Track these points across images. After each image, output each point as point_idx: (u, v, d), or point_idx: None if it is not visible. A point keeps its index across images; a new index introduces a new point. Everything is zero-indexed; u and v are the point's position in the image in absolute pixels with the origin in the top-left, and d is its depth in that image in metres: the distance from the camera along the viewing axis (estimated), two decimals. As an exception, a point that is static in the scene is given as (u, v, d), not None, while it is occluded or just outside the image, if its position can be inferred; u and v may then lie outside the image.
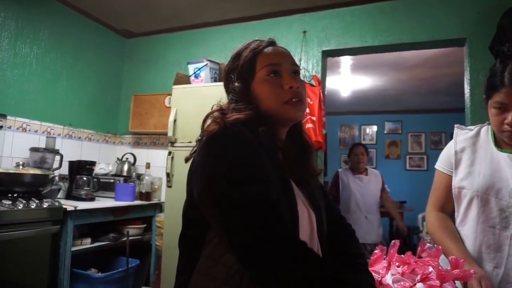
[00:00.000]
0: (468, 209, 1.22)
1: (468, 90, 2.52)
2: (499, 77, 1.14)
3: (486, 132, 1.28)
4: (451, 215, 1.30)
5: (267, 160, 0.76)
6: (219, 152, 0.75)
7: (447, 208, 1.30)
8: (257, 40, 0.91)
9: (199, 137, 0.84)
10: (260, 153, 0.76)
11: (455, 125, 1.35)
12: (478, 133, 1.29)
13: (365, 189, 3.25)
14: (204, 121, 0.85)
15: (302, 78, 0.92)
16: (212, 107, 0.88)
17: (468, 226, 1.22)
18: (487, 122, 1.27)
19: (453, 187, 1.26)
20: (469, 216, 1.22)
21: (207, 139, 0.78)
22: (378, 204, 3.31)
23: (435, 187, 1.36)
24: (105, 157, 3.49)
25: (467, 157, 1.25)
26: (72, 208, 2.36)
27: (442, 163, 1.34)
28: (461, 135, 1.30)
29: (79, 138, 3.26)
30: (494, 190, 1.17)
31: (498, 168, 1.18)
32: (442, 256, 1.14)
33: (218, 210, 0.72)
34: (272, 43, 0.91)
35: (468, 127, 1.33)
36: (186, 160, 0.84)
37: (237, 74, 0.88)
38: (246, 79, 0.87)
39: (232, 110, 0.85)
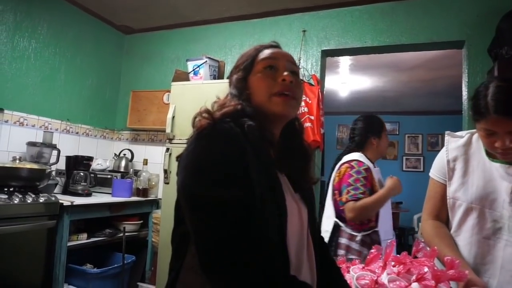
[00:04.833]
0: (463, 220, 1.22)
1: (466, 93, 2.53)
2: (483, 103, 1.11)
3: (477, 139, 1.27)
4: (446, 223, 1.30)
5: (253, 158, 0.75)
6: (200, 149, 0.74)
7: (442, 216, 1.30)
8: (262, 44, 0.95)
9: (191, 135, 0.83)
10: (245, 150, 0.74)
11: (446, 132, 1.34)
12: (469, 141, 1.28)
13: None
14: (194, 120, 0.84)
15: (301, 77, 0.92)
16: (200, 108, 0.87)
17: (463, 237, 1.22)
18: None
19: (447, 198, 1.26)
20: (464, 227, 1.22)
21: (195, 135, 0.78)
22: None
23: (429, 195, 1.35)
24: (103, 153, 3.49)
25: (460, 167, 1.25)
26: (69, 203, 2.35)
27: (436, 171, 1.33)
28: (453, 142, 1.30)
29: (77, 133, 3.25)
30: (488, 201, 1.17)
31: (491, 179, 1.18)
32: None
33: (188, 209, 0.72)
34: (275, 46, 0.94)
35: (459, 134, 1.32)
36: (177, 158, 0.81)
37: (238, 69, 0.91)
38: (245, 72, 0.89)
39: (219, 106, 0.86)
